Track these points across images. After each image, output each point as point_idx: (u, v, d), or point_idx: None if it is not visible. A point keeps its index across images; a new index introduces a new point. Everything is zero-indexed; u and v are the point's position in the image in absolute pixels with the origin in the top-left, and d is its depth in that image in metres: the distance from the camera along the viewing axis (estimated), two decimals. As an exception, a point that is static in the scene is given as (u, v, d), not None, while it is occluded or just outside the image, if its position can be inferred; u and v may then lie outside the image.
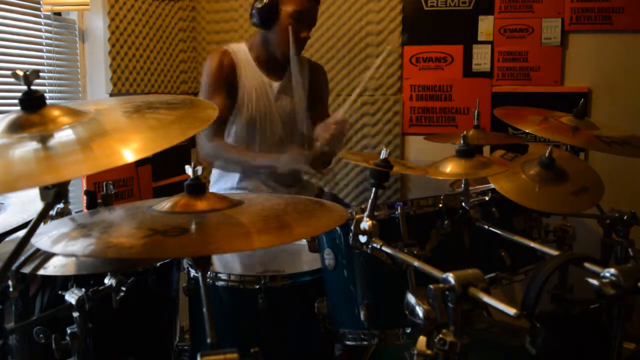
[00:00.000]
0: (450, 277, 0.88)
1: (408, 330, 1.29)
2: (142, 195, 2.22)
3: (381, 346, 1.48)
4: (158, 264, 1.54)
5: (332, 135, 2.04)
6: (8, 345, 1.42)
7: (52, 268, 1.21)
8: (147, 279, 1.51)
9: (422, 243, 1.30)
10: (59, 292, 1.22)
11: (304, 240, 1.50)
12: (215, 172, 2.35)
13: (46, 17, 2.27)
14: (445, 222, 1.33)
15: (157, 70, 2.74)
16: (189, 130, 0.89)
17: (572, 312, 1.19)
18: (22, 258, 1.17)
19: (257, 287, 1.44)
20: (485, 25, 2.79)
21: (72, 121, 0.88)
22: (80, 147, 0.82)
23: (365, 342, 1.35)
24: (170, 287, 1.64)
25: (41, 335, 1.23)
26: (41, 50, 2.27)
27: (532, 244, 1.24)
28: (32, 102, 0.88)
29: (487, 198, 1.46)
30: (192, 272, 1.55)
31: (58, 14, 2.37)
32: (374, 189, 1.24)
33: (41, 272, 1.20)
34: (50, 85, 2.32)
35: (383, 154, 1.24)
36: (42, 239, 0.93)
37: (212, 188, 2.30)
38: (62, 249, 0.90)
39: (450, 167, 1.39)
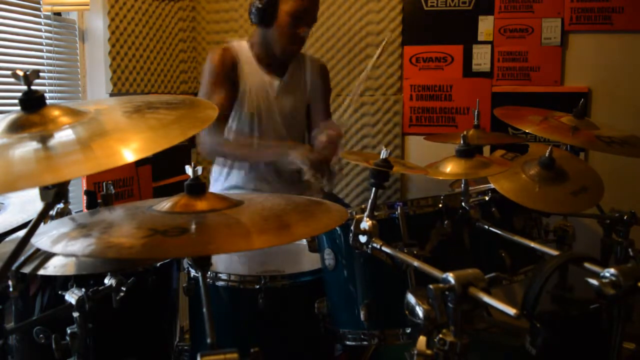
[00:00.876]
0: (450, 277, 0.88)
1: (408, 330, 1.29)
2: (142, 195, 2.21)
3: (381, 346, 1.48)
4: (158, 264, 1.54)
5: (328, 139, 1.98)
6: (8, 345, 1.42)
7: (52, 268, 1.21)
8: (147, 279, 1.51)
9: (422, 243, 1.30)
10: (59, 292, 1.22)
11: (304, 240, 1.50)
12: (215, 171, 2.34)
13: (46, 17, 2.27)
14: (445, 222, 1.33)
15: (157, 70, 2.74)
16: (189, 130, 0.89)
17: (572, 312, 1.19)
18: (22, 258, 1.18)
19: (257, 287, 1.44)
20: (485, 25, 2.79)
21: (72, 121, 0.88)
22: (80, 147, 0.82)
23: (365, 342, 1.35)
24: (170, 287, 1.64)
25: (41, 335, 1.23)
26: (41, 50, 2.27)
27: (532, 244, 1.24)
28: (32, 102, 0.88)
29: (487, 198, 1.46)
30: (192, 272, 1.55)
31: (58, 14, 2.37)
32: (374, 189, 1.24)
33: (41, 272, 1.20)
34: (50, 85, 2.33)
35: (383, 154, 1.24)
36: (42, 239, 0.93)
37: (213, 187, 2.30)
38: (62, 249, 0.90)
39: (450, 167, 1.39)
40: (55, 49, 2.34)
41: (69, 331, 1.17)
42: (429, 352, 0.91)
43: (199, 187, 1.01)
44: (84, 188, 1.90)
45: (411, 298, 0.94)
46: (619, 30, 2.65)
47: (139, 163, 2.19)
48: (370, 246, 1.19)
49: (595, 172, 1.72)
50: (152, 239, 0.88)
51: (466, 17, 2.80)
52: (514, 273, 1.44)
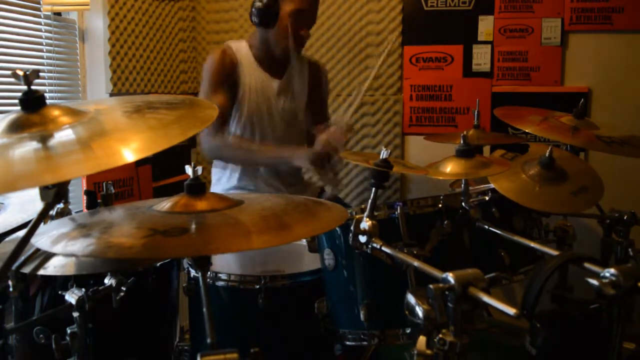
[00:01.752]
0: (450, 277, 0.88)
1: (408, 330, 1.28)
2: (142, 195, 2.21)
3: (381, 346, 1.48)
4: (158, 264, 1.54)
5: (330, 137, 1.99)
6: (8, 345, 1.42)
7: (52, 268, 1.21)
8: (147, 279, 1.51)
9: (422, 243, 1.30)
10: (59, 292, 1.22)
11: (304, 240, 1.50)
12: (216, 172, 2.34)
13: (46, 17, 2.27)
14: (445, 222, 1.33)
15: (157, 70, 2.74)
16: (189, 130, 0.89)
17: (572, 312, 1.19)
18: (22, 258, 1.17)
19: (257, 287, 1.44)
20: (485, 25, 2.79)
21: (72, 121, 0.87)
22: (80, 147, 0.81)
23: (365, 342, 1.35)
24: (170, 287, 1.64)
25: (41, 335, 1.23)
26: (41, 50, 2.27)
27: (532, 244, 1.24)
28: (32, 102, 0.88)
29: (487, 198, 1.46)
30: (192, 272, 1.55)
31: (58, 14, 2.37)
32: (373, 189, 1.23)
33: (41, 272, 1.20)
34: (50, 85, 2.33)
35: (383, 154, 1.23)
36: (42, 239, 0.93)
37: (213, 188, 2.30)
38: (62, 249, 0.90)
39: (450, 167, 1.39)
40: (55, 49, 2.34)
41: (69, 331, 1.17)
42: (429, 352, 0.91)
43: (199, 187, 1.01)
44: (84, 188, 1.90)
45: (411, 298, 0.94)
46: (619, 30, 2.65)
47: (139, 163, 2.19)
48: (370, 246, 1.19)
49: (595, 172, 1.72)
50: (152, 239, 0.88)
51: (466, 17, 2.80)
52: (514, 273, 1.44)
